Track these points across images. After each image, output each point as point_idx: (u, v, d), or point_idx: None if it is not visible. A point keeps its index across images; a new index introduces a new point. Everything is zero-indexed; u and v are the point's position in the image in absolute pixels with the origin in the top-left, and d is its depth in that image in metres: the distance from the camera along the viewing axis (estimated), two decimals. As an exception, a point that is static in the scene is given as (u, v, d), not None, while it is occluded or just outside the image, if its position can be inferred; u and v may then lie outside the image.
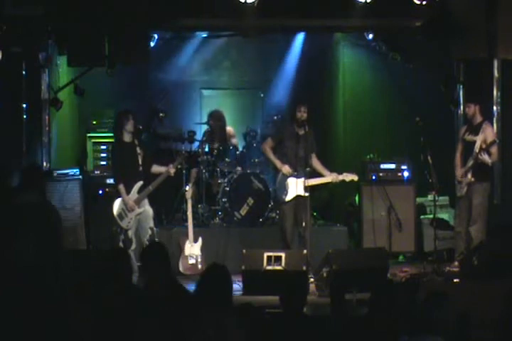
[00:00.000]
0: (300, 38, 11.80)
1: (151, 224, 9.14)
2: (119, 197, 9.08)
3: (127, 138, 9.11)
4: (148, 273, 5.59)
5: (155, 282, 5.50)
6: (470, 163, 9.38)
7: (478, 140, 9.36)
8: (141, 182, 9.07)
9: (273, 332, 5.29)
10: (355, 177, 9.31)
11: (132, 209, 9.01)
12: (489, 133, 9.42)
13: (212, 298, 5.17)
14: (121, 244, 9.04)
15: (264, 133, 11.04)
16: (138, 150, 9.14)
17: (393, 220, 10.41)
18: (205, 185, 10.47)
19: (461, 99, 10.91)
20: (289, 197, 9.17)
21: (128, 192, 9.02)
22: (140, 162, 9.12)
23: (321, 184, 9.31)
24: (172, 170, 9.22)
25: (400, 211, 10.42)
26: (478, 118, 9.47)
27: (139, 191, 9.06)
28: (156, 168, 9.27)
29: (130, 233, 9.04)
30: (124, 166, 9.09)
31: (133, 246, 9.02)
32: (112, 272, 5.69)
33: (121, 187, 9.03)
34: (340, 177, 9.25)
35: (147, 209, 9.13)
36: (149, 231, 9.09)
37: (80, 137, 11.01)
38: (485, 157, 9.25)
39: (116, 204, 9.07)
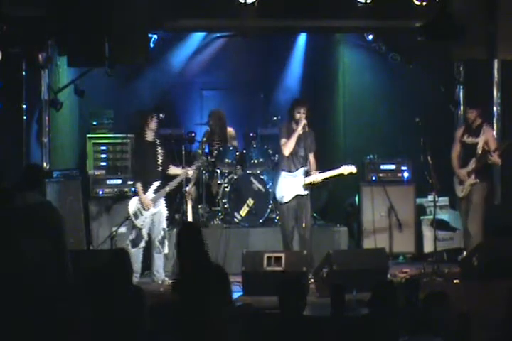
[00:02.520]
0: (300, 38, 11.80)
1: (164, 225, 9.23)
2: (135, 195, 9.18)
3: (150, 137, 9.20)
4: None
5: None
6: (473, 164, 9.41)
7: (481, 141, 9.41)
8: (158, 182, 9.13)
9: (273, 333, 5.29)
10: (354, 170, 9.19)
11: (148, 208, 9.06)
12: (490, 134, 9.49)
13: (212, 299, 5.17)
14: (128, 242, 9.08)
15: (263, 134, 11.03)
16: (159, 149, 9.22)
17: (393, 221, 10.41)
18: (205, 186, 10.47)
19: (461, 99, 10.93)
20: (288, 198, 9.15)
21: (145, 191, 9.07)
22: (159, 162, 9.19)
23: (320, 180, 9.25)
24: (190, 172, 9.36)
25: (400, 211, 10.42)
26: (478, 121, 9.52)
27: (156, 191, 9.11)
28: (173, 170, 9.33)
29: (144, 231, 9.11)
30: (144, 165, 9.15)
31: (142, 244, 9.07)
32: (112, 272, 5.69)
33: (139, 186, 9.12)
34: (336, 172, 9.18)
35: (162, 209, 9.20)
36: (161, 232, 9.15)
37: (80, 138, 11.01)
38: (495, 157, 9.29)
39: (133, 203, 9.15)
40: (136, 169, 9.30)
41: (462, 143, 9.59)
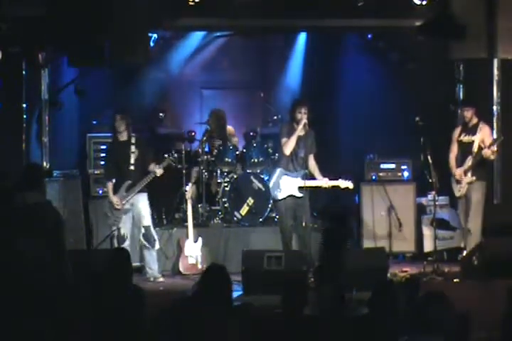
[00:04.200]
0: (300, 37, 11.81)
1: (145, 223, 9.16)
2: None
3: (120, 137, 9.21)
4: None
5: None
6: (469, 162, 9.41)
7: (477, 139, 9.42)
8: (129, 182, 9.10)
9: (273, 332, 5.29)
10: (350, 185, 9.18)
11: (117, 208, 9.06)
12: (487, 132, 9.50)
13: (212, 299, 5.17)
14: (114, 241, 9.09)
15: (263, 133, 11.04)
16: (132, 148, 9.16)
17: (393, 220, 10.41)
18: (204, 185, 10.47)
19: (461, 98, 10.92)
20: (281, 196, 9.12)
21: (117, 190, 9.07)
22: (132, 161, 9.14)
23: (315, 186, 9.23)
24: (158, 171, 9.19)
25: (400, 211, 10.41)
26: (474, 120, 9.52)
27: (127, 190, 9.10)
28: (151, 167, 9.28)
29: (122, 230, 9.10)
30: (114, 165, 9.19)
31: (126, 243, 9.07)
32: (112, 272, 5.69)
33: (109, 185, 9.19)
34: (333, 183, 9.17)
35: (140, 207, 9.14)
36: (142, 230, 9.12)
37: (80, 137, 11.01)
38: (488, 152, 9.28)
39: (106, 204, 9.17)
40: (105, 169, 9.46)
41: (459, 143, 9.59)
